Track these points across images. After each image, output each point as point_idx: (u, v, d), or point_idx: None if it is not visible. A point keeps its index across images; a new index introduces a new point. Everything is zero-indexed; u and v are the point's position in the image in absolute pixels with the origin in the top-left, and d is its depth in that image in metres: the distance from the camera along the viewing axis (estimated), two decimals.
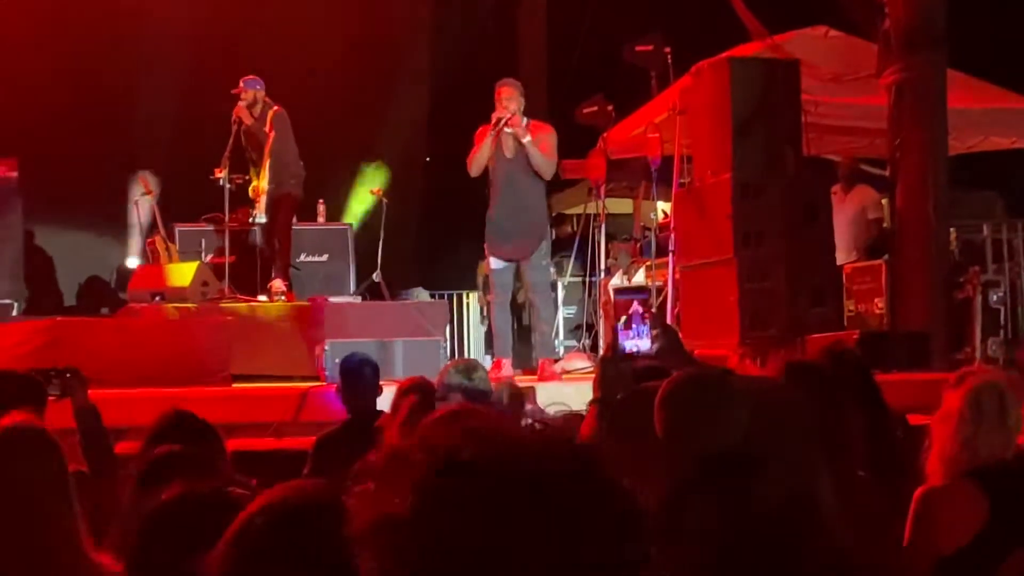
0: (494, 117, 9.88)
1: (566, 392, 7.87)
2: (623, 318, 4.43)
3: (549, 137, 10.10)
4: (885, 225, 12.48)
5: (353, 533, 1.23)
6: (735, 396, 2.60)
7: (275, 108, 11.93)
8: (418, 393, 5.38)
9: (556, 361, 10.56)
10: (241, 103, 11.90)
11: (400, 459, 1.24)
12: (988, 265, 11.66)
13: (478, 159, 10.00)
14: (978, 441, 3.74)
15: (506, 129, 9.88)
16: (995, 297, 11.28)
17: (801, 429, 2.49)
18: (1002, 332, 11.18)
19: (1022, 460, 3.80)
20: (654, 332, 4.28)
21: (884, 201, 12.41)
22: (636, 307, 4.42)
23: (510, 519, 1.18)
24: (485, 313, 14.49)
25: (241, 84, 12.00)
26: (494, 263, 10.17)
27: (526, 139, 9.87)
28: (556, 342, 13.46)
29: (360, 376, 6.31)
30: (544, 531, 1.18)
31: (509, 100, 9.89)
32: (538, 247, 10.09)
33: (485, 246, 10.31)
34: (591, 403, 4.24)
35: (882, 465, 3.97)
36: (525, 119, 10.00)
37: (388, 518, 1.21)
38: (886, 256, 11.40)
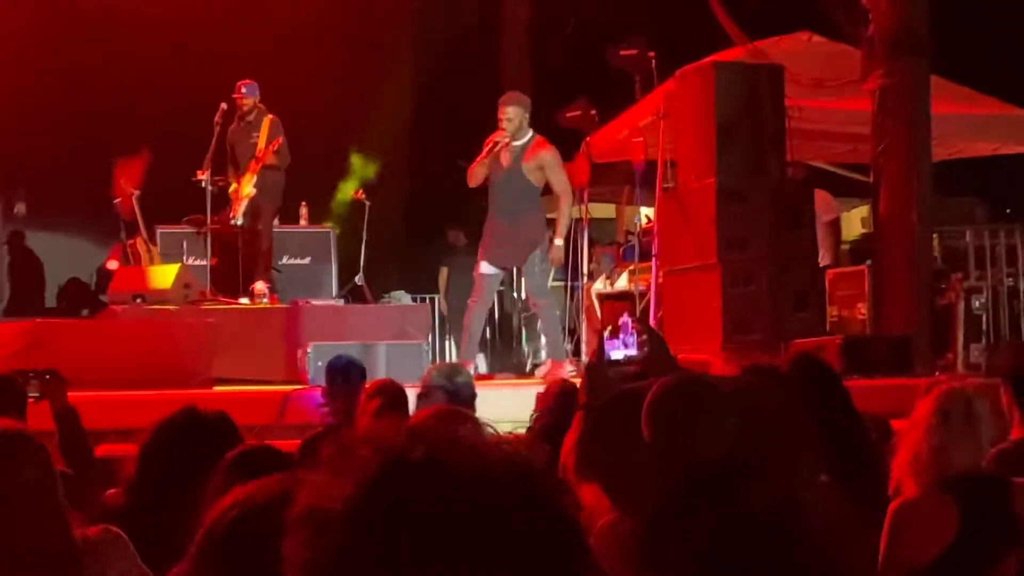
0: (495, 137, 9.93)
1: None
2: (609, 327, 4.41)
3: (551, 157, 10.20)
4: (864, 231, 12.49)
5: (291, 517, 1.23)
6: (724, 401, 2.57)
7: (270, 115, 11.92)
8: (384, 396, 5.34)
9: (565, 363, 10.57)
10: (231, 106, 11.90)
11: (350, 453, 1.23)
12: (971, 271, 11.70)
13: (477, 175, 10.19)
14: (947, 450, 3.72)
15: (513, 143, 9.94)
16: (977, 303, 11.30)
17: (792, 435, 2.47)
18: (984, 338, 11.20)
19: (993, 470, 3.78)
20: (641, 339, 4.27)
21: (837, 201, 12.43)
22: (626, 318, 4.40)
23: (442, 531, 1.16)
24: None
25: (242, 90, 11.97)
26: (484, 268, 10.27)
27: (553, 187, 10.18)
28: (541, 346, 13.46)
29: (347, 378, 6.28)
30: (476, 544, 1.16)
31: (508, 121, 9.97)
32: (532, 254, 10.16)
33: (479, 250, 10.43)
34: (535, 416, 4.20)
35: (849, 470, 3.94)
36: (530, 133, 10.08)
37: (322, 509, 1.20)
38: (869, 261, 11.41)
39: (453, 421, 3.74)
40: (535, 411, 5.81)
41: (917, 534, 3.69)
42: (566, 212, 10.47)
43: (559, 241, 10.36)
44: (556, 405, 5.60)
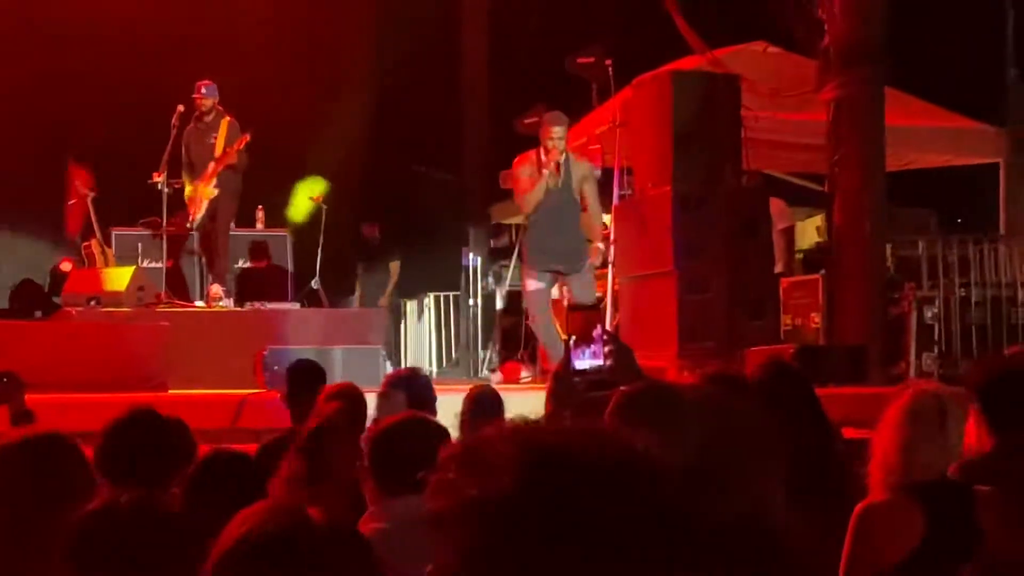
0: (549, 160, 10.07)
1: None
2: (575, 336, 4.42)
3: (590, 171, 10.47)
4: (818, 240, 12.58)
5: (440, 517, 1.35)
6: (687, 409, 2.58)
7: (228, 117, 11.87)
8: (344, 400, 5.34)
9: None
10: (188, 107, 11.85)
11: (481, 448, 1.36)
12: (923, 281, 11.80)
13: (531, 199, 10.21)
14: (917, 453, 3.74)
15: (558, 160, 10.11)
16: (929, 313, 11.40)
17: (757, 443, 2.49)
18: (936, 348, 11.30)
19: (967, 477, 3.79)
20: (608, 349, 4.28)
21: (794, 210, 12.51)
22: (597, 330, 4.41)
23: (603, 508, 1.32)
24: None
25: (202, 90, 11.92)
26: (531, 284, 10.34)
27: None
28: (494, 354, 13.49)
29: (307, 382, 6.27)
30: (620, 525, 1.32)
31: (559, 139, 10.12)
32: (584, 262, 10.32)
33: (523, 268, 10.57)
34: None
35: (814, 481, 3.97)
36: (566, 151, 10.19)
37: (490, 500, 1.32)
38: (823, 270, 11.50)
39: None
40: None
41: (881, 538, 3.71)
42: (599, 217, 10.53)
43: (601, 245, 10.54)
44: (465, 410, 5.63)
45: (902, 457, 3.74)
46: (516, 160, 10.43)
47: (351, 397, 5.40)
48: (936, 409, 3.80)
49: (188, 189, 11.93)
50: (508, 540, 1.31)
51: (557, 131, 10.11)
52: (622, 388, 2.74)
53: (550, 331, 10.34)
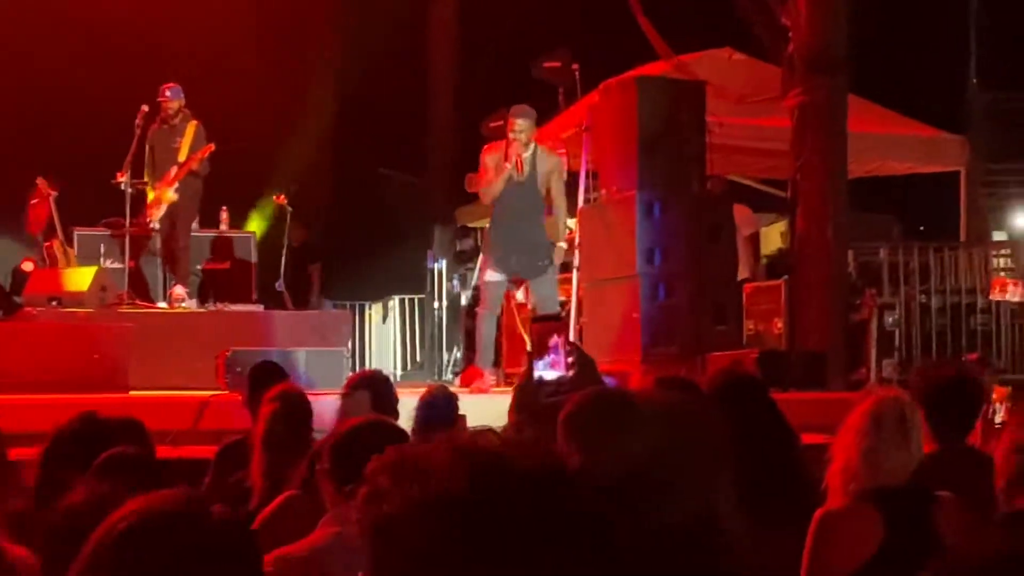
0: (511, 152, 9.98)
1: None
2: (538, 345, 4.44)
3: (557, 165, 10.37)
4: (781, 246, 12.63)
5: (381, 523, 1.39)
6: (639, 416, 2.59)
7: (195, 121, 11.83)
8: (280, 402, 5.32)
9: (487, 372, 10.57)
10: (153, 108, 11.80)
11: (419, 459, 1.42)
12: (884, 287, 11.88)
13: (493, 191, 10.12)
14: (878, 459, 3.74)
15: (524, 154, 10.01)
16: (890, 319, 11.48)
17: (710, 449, 2.49)
18: (896, 354, 11.37)
19: (919, 482, 3.81)
20: (570, 360, 4.29)
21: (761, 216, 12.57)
22: (556, 339, 4.43)
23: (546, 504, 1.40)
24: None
25: (167, 93, 11.86)
26: (491, 275, 10.27)
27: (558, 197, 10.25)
28: (459, 356, 13.49)
29: (268, 384, 6.23)
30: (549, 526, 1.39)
31: (521, 132, 10.02)
32: (548, 263, 10.26)
33: (483, 257, 10.50)
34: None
35: (774, 487, 3.98)
36: (532, 145, 10.12)
37: (440, 498, 1.38)
38: (785, 276, 11.55)
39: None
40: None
41: (840, 544, 3.72)
42: (563, 217, 10.50)
43: (564, 244, 10.45)
44: (418, 413, 5.62)
45: (863, 463, 3.75)
46: (484, 148, 10.38)
47: (288, 400, 5.37)
48: (898, 416, 3.81)
49: (148, 189, 11.87)
50: (460, 539, 1.36)
51: (520, 123, 10.02)
52: (572, 396, 2.75)
53: (490, 329, 10.35)
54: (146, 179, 11.94)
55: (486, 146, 10.41)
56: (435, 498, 1.38)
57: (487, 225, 10.79)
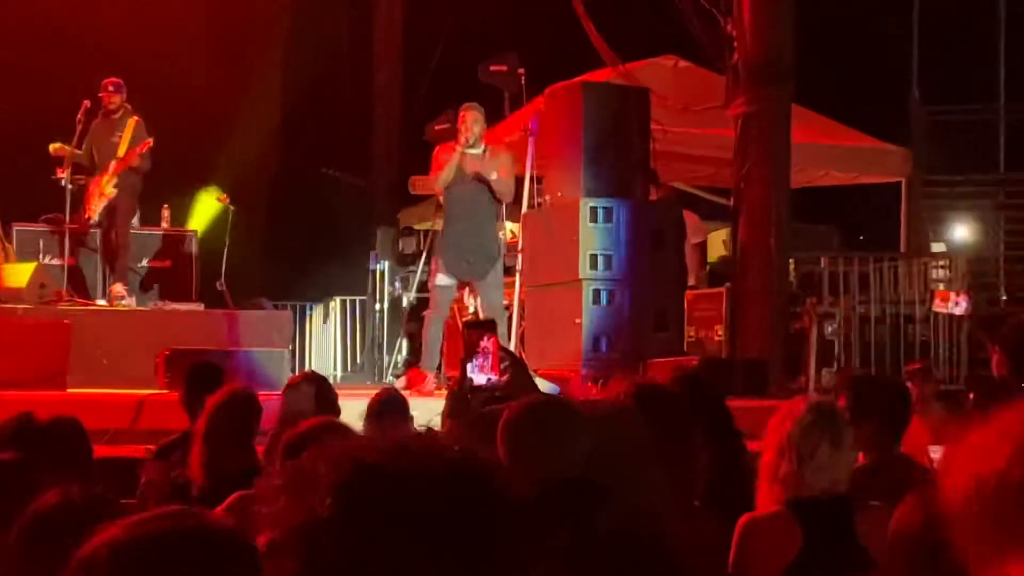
0: (460, 140, 10.03)
1: None
2: (469, 350, 4.43)
3: (508, 160, 10.33)
4: (723, 254, 12.70)
5: (269, 545, 1.33)
6: (577, 422, 2.60)
7: (136, 117, 11.74)
8: (227, 403, 5.29)
9: (430, 375, 10.56)
10: (94, 104, 11.69)
11: (304, 473, 1.34)
12: (824, 297, 11.97)
13: (444, 178, 10.13)
14: (804, 468, 3.72)
15: (470, 151, 9.99)
16: (830, 329, 11.57)
17: (644, 454, 2.51)
18: (835, 363, 11.47)
19: (842, 494, 3.78)
20: (504, 364, 4.29)
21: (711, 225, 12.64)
22: (486, 343, 4.43)
23: (422, 517, 1.31)
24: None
25: (109, 88, 11.76)
26: (441, 279, 10.27)
27: (492, 177, 10.11)
28: (400, 359, 13.45)
29: (205, 384, 6.19)
30: (451, 529, 1.31)
31: (474, 124, 10.06)
32: (493, 268, 10.25)
33: (434, 260, 10.48)
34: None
35: (725, 495, 3.99)
36: (483, 146, 10.12)
37: (308, 523, 1.30)
38: (727, 284, 11.62)
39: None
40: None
41: (761, 551, 3.74)
42: (503, 189, 10.46)
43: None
44: (369, 414, 5.60)
45: (787, 470, 3.73)
46: (438, 148, 10.40)
47: (237, 396, 5.34)
48: (828, 421, 3.80)
49: (88, 183, 11.77)
50: (326, 566, 1.30)
51: (473, 115, 10.10)
52: (511, 404, 2.75)
53: (436, 332, 10.36)
54: (85, 176, 11.83)
55: (440, 145, 10.43)
56: (308, 521, 1.31)
57: (434, 227, 10.79)
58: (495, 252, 10.32)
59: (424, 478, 1.32)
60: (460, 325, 11.33)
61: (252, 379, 8.66)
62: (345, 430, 3.97)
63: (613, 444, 2.56)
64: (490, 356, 4.24)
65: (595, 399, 3.94)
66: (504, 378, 4.26)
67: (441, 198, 10.60)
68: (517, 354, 9.15)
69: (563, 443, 2.56)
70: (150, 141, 11.62)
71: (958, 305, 8.50)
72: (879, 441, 4.63)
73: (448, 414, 4.24)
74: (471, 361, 4.28)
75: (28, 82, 14.33)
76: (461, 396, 4.21)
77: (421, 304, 13.96)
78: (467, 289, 10.81)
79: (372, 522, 1.29)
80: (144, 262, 12.55)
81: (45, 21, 14.74)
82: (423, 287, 13.93)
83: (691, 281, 12.50)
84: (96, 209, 11.69)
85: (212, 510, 2.51)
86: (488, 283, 10.27)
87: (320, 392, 5.61)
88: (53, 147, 11.61)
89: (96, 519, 2.02)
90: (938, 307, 9.49)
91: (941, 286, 12.85)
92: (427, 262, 12.97)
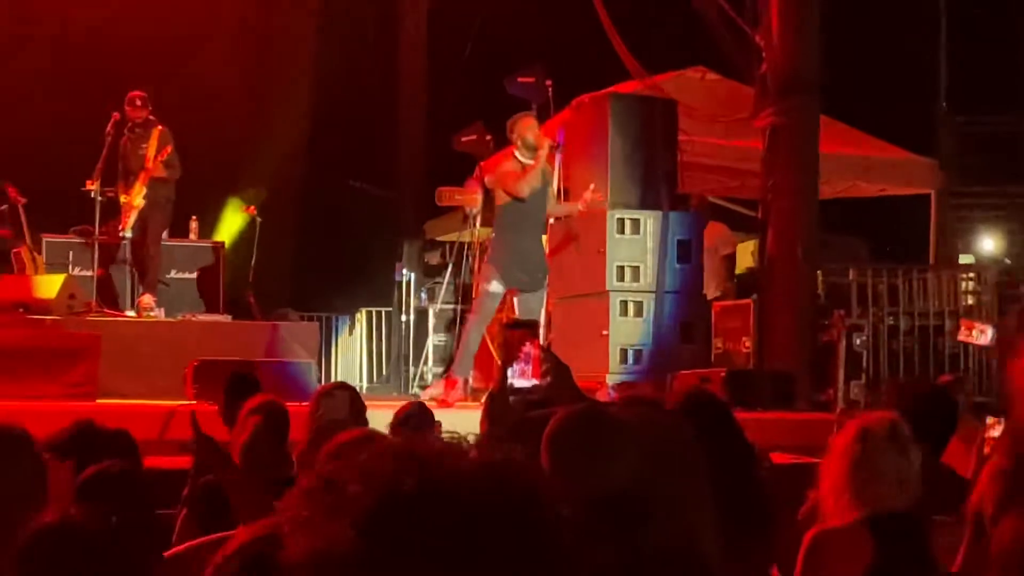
0: (545, 145, 9.98)
1: None
2: (503, 354, 4.43)
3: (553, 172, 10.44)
4: (751, 265, 12.66)
5: (289, 562, 1.17)
6: (625, 434, 2.56)
7: (159, 127, 11.79)
8: (263, 414, 5.30)
9: (459, 381, 10.56)
10: (123, 116, 11.75)
11: (335, 488, 1.19)
12: (853, 309, 11.92)
13: (533, 185, 9.96)
14: (878, 483, 3.68)
15: (526, 160, 10.00)
16: (858, 341, 11.49)
17: (692, 469, 2.48)
18: (864, 376, 11.40)
19: (916, 509, 3.75)
20: (545, 367, 4.27)
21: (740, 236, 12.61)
22: (528, 348, 4.41)
23: (459, 556, 1.15)
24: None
25: (138, 102, 11.81)
26: (494, 286, 10.15)
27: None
28: (427, 369, 13.46)
29: (242, 393, 6.20)
30: (492, 566, 1.16)
31: (537, 137, 10.04)
32: (544, 280, 10.27)
33: (487, 266, 10.29)
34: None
35: (742, 512, 3.97)
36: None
37: (331, 553, 1.15)
38: (755, 296, 11.59)
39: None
40: None
41: (830, 565, 3.71)
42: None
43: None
44: (394, 426, 5.60)
45: (865, 485, 3.70)
46: (494, 157, 10.35)
47: (271, 412, 5.35)
48: (888, 434, 3.77)
49: (123, 198, 11.84)
50: None
51: (535, 123, 10.09)
52: (558, 412, 2.72)
53: (476, 339, 10.31)
54: (119, 188, 11.87)
55: (494, 156, 10.39)
56: (327, 549, 1.15)
57: (470, 237, 10.72)
58: (547, 266, 10.32)
59: (467, 515, 1.16)
60: (498, 325, 11.35)
61: (279, 390, 8.68)
62: (384, 440, 3.95)
63: (661, 458, 2.53)
64: (531, 361, 4.22)
65: (641, 410, 3.91)
66: (546, 380, 4.24)
67: (499, 207, 10.35)
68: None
69: (610, 457, 2.52)
70: (168, 148, 11.66)
71: (983, 334, 8.46)
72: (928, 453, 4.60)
73: (488, 417, 4.22)
74: (510, 363, 4.27)
75: (58, 94, 14.41)
76: (501, 398, 4.19)
77: (443, 315, 13.97)
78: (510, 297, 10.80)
79: (399, 569, 1.14)
80: (172, 273, 12.59)
81: (75, 34, 14.83)
82: (448, 299, 13.94)
83: (717, 292, 12.47)
84: (130, 223, 11.75)
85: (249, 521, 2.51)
86: (538, 296, 10.24)
87: (354, 399, 5.62)
88: (89, 184, 11.65)
89: (94, 540, 2.03)
90: (963, 336, 9.44)
91: (970, 299, 12.77)
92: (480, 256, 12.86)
